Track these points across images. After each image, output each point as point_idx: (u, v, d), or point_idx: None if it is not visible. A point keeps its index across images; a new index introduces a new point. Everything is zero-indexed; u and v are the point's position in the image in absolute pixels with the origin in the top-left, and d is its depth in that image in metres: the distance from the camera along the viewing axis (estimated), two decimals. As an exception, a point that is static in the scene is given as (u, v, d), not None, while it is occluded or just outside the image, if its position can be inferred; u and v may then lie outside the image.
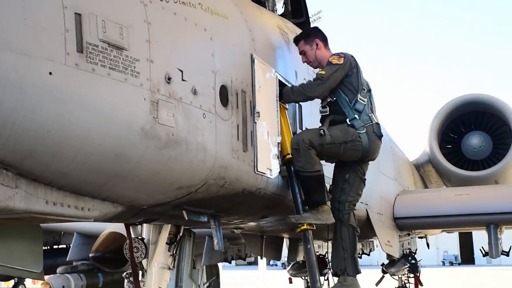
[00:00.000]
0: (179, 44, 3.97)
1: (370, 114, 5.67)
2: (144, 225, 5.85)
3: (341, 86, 5.58)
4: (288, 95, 5.44)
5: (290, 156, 5.34)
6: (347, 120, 5.60)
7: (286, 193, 5.41)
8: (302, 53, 5.84)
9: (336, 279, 5.92)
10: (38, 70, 2.96)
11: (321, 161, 5.52)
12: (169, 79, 3.77)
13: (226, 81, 4.45)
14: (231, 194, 4.65)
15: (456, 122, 13.47)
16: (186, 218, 4.55)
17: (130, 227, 5.79)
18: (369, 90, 5.77)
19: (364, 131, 5.58)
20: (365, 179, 6.04)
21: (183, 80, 3.91)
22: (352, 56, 5.66)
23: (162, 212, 4.52)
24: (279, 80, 5.41)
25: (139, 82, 3.52)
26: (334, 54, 5.62)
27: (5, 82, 2.84)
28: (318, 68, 5.86)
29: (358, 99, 5.60)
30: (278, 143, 5.28)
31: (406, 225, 10.22)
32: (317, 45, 5.76)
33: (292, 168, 5.35)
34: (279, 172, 5.26)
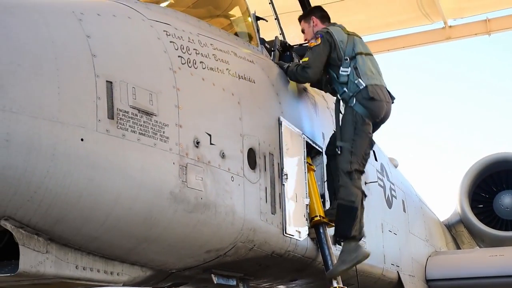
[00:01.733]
0: (207, 108, 4.04)
1: (357, 81, 5.53)
2: (173, 289, 5.82)
3: (328, 65, 5.62)
4: (290, 76, 5.58)
5: (318, 218, 5.31)
6: (338, 95, 5.65)
7: (315, 255, 5.35)
8: (303, 31, 6.06)
9: None
10: (70, 137, 3.02)
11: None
12: (198, 143, 3.82)
13: (254, 144, 4.49)
14: (260, 257, 4.61)
15: (487, 181, 13.26)
16: (215, 282, 4.51)
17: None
18: (354, 57, 5.62)
19: (354, 102, 5.49)
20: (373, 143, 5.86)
21: (211, 144, 3.96)
22: (328, 32, 5.64)
23: (191, 276, 4.49)
24: (307, 142, 5.44)
25: (168, 147, 3.57)
26: (312, 38, 5.71)
27: (38, 149, 2.91)
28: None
29: (340, 72, 5.58)
30: (307, 205, 5.26)
31: (439, 287, 9.97)
32: (313, 22, 5.96)
33: (321, 230, 5.31)
34: (308, 234, 5.22)
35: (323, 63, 5.55)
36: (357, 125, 5.47)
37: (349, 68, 5.58)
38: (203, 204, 3.80)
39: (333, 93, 5.83)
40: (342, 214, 5.36)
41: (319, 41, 5.57)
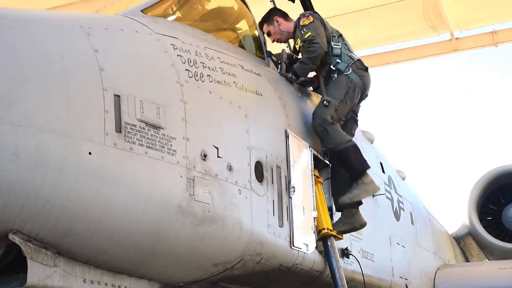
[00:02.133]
0: (214, 121, 4.05)
1: (350, 54, 5.85)
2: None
3: None
4: (303, 69, 5.68)
5: (325, 230, 5.29)
6: (331, 66, 5.77)
7: (323, 268, 5.33)
8: (268, 34, 6.15)
9: None
10: (78, 151, 3.04)
11: None
12: (205, 156, 3.83)
13: (261, 157, 4.49)
14: (268, 270, 4.60)
15: (495, 193, 13.19)
16: (223, 295, 4.50)
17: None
18: (340, 35, 5.97)
19: (350, 70, 5.73)
20: (357, 119, 6.12)
21: (218, 157, 3.96)
22: (315, 12, 6.00)
23: (199, 289, 4.49)
24: (314, 155, 5.44)
25: (176, 160, 3.58)
26: (300, 18, 5.84)
27: (46, 163, 2.92)
28: (289, 39, 6.22)
29: (332, 46, 5.81)
30: (314, 217, 5.24)
31: (448, 300, 9.88)
32: (277, 21, 6.08)
33: (329, 243, 5.29)
34: (316, 247, 5.20)
35: (324, 33, 5.76)
36: (349, 90, 5.71)
37: (340, 44, 5.89)
38: (211, 217, 3.80)
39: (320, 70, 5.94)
40: (351, 154, 5.56)
41: (310, 18, 5.78)
